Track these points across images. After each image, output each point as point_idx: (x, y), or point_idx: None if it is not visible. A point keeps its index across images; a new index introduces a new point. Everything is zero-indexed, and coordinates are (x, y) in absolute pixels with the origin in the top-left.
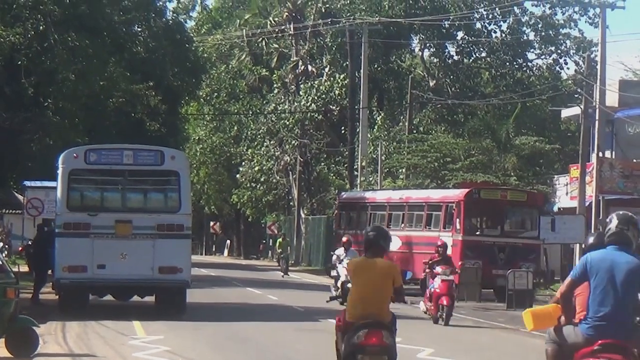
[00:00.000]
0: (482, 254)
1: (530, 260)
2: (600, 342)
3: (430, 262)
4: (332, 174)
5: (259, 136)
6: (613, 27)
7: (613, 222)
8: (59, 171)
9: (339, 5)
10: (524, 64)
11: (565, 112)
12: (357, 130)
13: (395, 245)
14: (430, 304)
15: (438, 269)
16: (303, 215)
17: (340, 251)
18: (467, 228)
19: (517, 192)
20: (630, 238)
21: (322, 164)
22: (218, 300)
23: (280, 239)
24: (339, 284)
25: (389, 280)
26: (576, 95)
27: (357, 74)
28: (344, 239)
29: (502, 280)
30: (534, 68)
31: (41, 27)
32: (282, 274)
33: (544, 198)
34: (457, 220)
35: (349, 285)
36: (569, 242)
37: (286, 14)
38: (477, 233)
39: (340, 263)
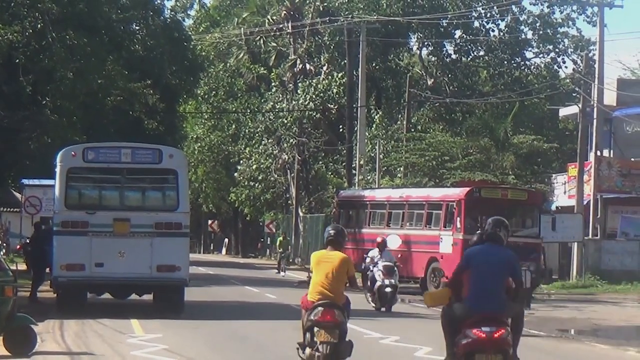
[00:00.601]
0: None
1: (531, 259)
2: (479, 313)
3: None
4: (330, 173)
5: (257, 134)
6: (611, 26)
7: (488, 225)
8: (57, 169)
9: (337, 4)
10: (522, 62)
11: (563, 111)
12: (355, 128)
13: (395, 243)
14: None
15: None
16: (301, 214)
17: (374, 252)
18: (467, 227)
19: (518, 191)
20: (501, 237)
21: (320, 162)
22: (216, 299)
23: (280, 238)
24: (375, 288)
25: (345, 270)
26: (574, 94)
27: (355, 73)
28: (379, 239)
29: None
30: (532, 67)
31: (39, 25)
32: (281, 272)
33: (543, 197)
34: (458, 219)
35: (387, 289)
36: (567, 240)
37: (284, 12)
38: (478, 232)
39: (375, 265)
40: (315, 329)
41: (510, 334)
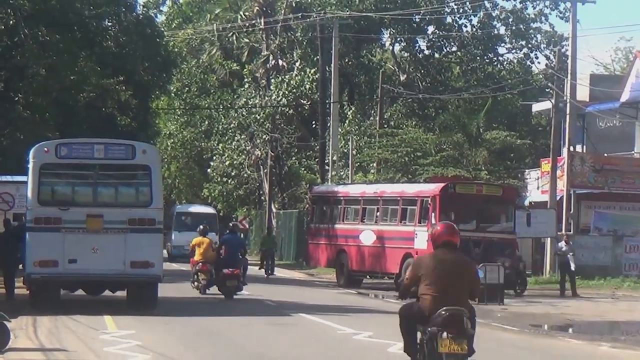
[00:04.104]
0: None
1: (506, 255)
2: (230, 265)
3: None
4: (303, 169)
5: (229, 131)
6: (584, 22)
7: (232, 226)
8: (30, 165)
9: (309, 0)
10: (495, 58)
11: (536, 107)
12: (328, 124)
13: (369, 239)
14: None
15: None
16: (274, 210)
17: None
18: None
19: (493, 187)
20: (237, 232)
21: (293, 158)
22: (189, 295)
23: (264, 235)
24: None
25: (211, 245)
26: (547, 90)
27: (327, 68)
28: None
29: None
30: (505, 62)
31: (11, 22)
32: (264, 274)
33: (517, 192)
34: (433, 214)
35: None
36: (541, 236)
37: (257, 8)
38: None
39: None
40: (200, 273)
41: (241, 272)
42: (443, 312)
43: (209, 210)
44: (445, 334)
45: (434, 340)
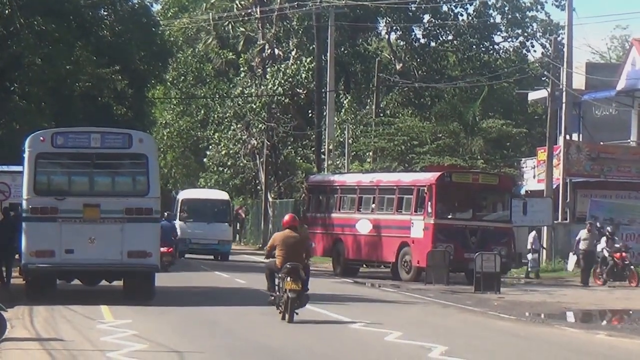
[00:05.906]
0: (454, 238)
1: (502, 243)
2: (165, 244)
3: None
4: (299, 158)
5: (225, 120)
6: (580, 10)
7: (167, 213)
8: (26, 155)
9: None
10: (491, 46)
11: (532, 95)
12: (324, 113)
13: (365, 228)
14: None
15: None
16: (270, 199)
17: None
18: (438, 211)
19: (489, 176)
20: (170, 219)
21: (289, 147)
22: (186, 285)
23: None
24: None
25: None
26: (543, 78)
27: (323, 57)
28: None
29: (473, 263)
30: (501, 51)
31: (7, 11)
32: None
33: (513, 181)
34: (429, 203)
35: None
36: (537, 224)
37: None
38: (449, 216)
39: None
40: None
41: (174, 250)
42: (288, 265)
43: (221, 195)
44: (288, 278)
45: (282, 282)
